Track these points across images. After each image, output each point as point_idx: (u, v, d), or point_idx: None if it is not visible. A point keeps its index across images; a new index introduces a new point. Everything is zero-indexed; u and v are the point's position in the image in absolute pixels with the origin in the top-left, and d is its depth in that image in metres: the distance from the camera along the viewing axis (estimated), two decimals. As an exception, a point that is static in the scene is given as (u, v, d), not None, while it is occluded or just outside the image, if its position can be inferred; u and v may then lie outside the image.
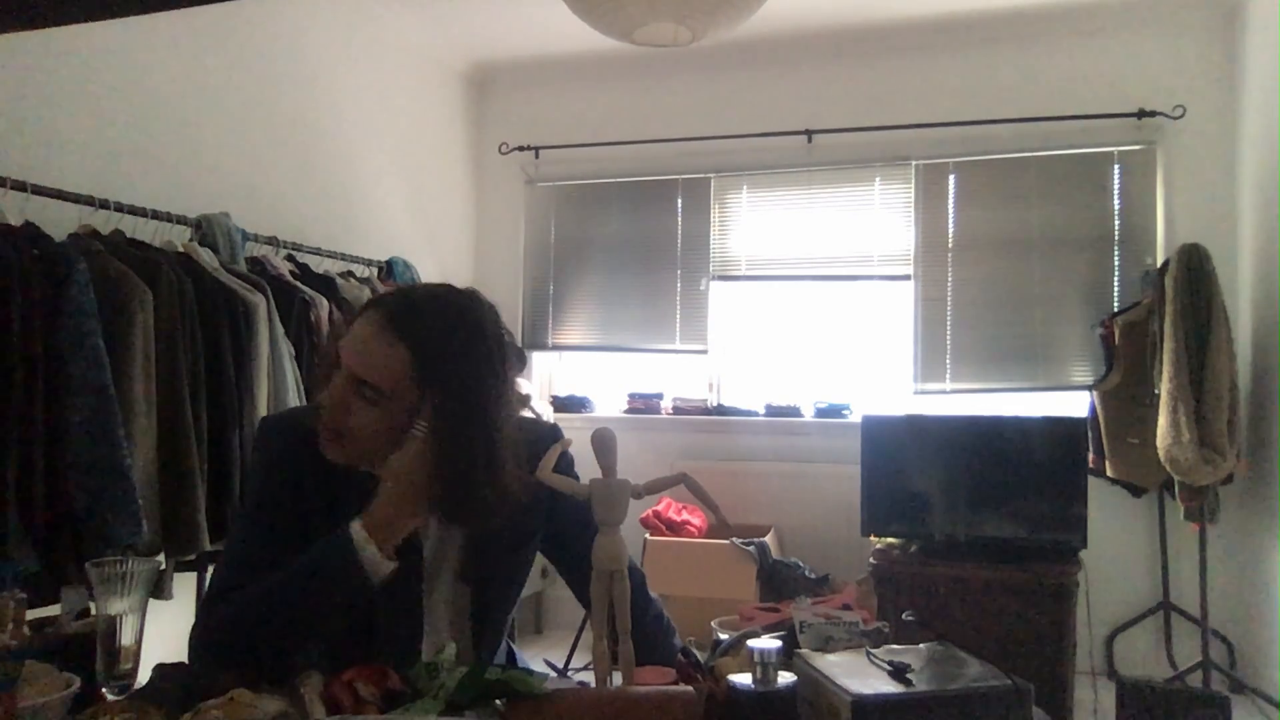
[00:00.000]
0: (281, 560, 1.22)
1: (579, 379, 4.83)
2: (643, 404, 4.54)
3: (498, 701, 1.03)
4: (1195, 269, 3.32)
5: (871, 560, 3.30)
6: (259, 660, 1.16)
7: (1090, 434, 3.51)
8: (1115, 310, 3.80)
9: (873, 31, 4.15)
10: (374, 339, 1.19)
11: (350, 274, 3.46)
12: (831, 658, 1.15)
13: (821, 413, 4.27)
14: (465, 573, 1.33)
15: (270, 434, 1.38)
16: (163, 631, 1.29)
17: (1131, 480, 3.58)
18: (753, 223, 4.48)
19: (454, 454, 1.17)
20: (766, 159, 4.39)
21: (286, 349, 2.78)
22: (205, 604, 1.28)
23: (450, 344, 1.19)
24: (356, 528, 1.16)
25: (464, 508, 1.20)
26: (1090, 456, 3.47)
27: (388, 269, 3.75)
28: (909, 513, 3.38)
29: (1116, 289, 3.94)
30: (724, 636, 1.38)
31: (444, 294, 1.26)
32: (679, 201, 4.55)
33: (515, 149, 4.72)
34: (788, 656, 1.14)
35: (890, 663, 1.10)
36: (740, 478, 4.19)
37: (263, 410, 2.63)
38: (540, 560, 1.53)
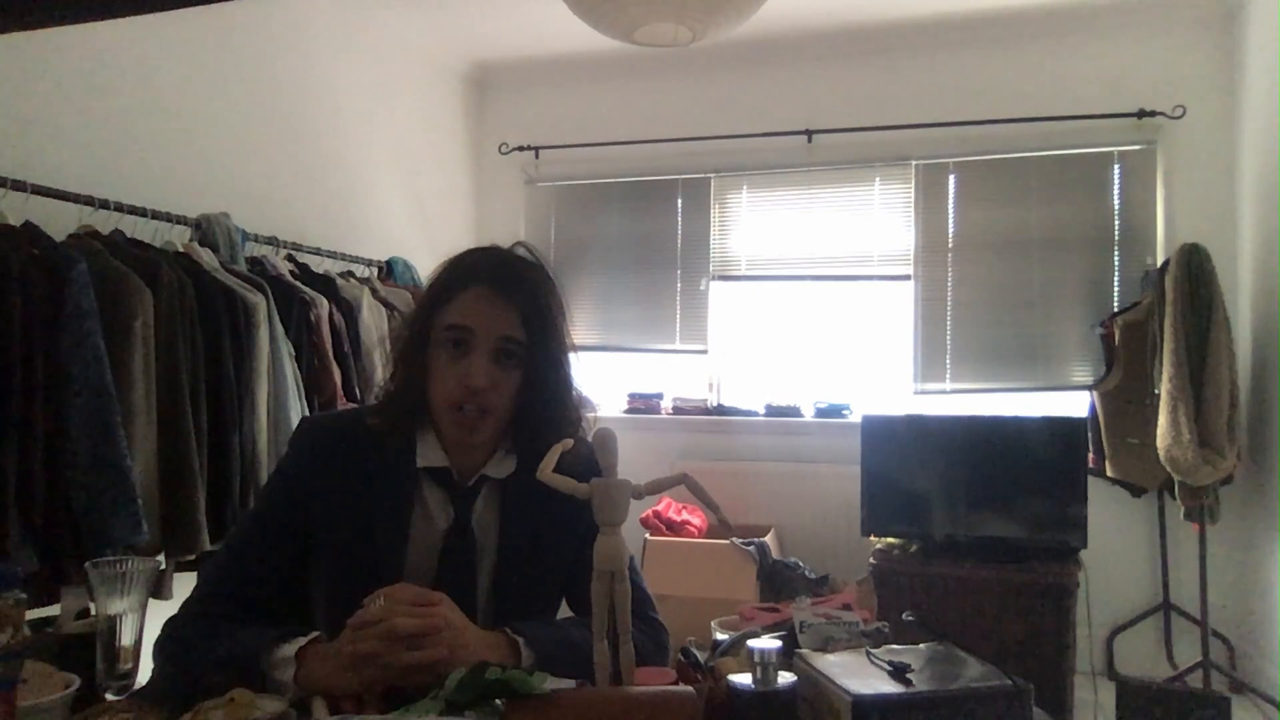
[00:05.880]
0: (263, 576, 1.28)
1: (579, 379, 4.81)
2: (643, 404, 4.54)
3: (498, 701, 1.03)
4: (1195, 269, 3.31)
5: (871, 560, 3.30)
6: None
7: (1090, 434, 3.51)
8: (1115, 310, 3.80)
9: (873, 31, 4.15)
10: (497, 304, 1.27)
11: (350, 274, 3.46)
12: (831, 658, 1.15)
13: (821, 413, 4.27)
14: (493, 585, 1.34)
15: (306, 436, 1.36)
16: (163, 631, 1.29)
17: (1131, 480, 3.58)
18: (753, 223, 4.47)
19: (545, 394, 1.32)
20: (766, 159, 4.39)
21: (286, 349, 2.78)
22: (184, 604, 1.29)
23: (542, 298, 1.31)
24: (288, 651, 1.13)
25: (544, 434, 1.28)
26: (1090, 456, 3.47)
27: (387, 269, 3.76)
28: (909, 513, 3.38)
29: (1116, 289, 3.94)
30: (724, 636, 1.38)
31: (528, 255, 1.35)
32: (679, 201, 4.55)
33: (515, 149, 4.72)
34: (788, 656, 1.14)
35: (890, 663, 1.09)
36: (740, 478, 4.18)
37: (263, 410, 2.63)
38: None
